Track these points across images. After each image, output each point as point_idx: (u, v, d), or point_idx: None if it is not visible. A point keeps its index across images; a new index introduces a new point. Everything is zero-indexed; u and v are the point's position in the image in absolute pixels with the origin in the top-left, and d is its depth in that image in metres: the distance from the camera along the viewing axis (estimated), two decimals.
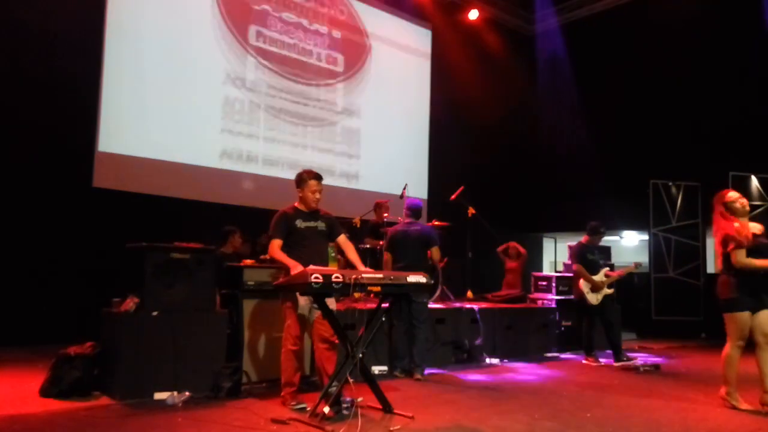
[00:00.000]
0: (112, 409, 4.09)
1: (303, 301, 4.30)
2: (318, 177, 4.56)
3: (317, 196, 4.53)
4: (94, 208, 7.35)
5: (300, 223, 4.47)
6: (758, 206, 10.01)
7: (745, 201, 4.60)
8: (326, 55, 10.06)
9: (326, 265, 4.49)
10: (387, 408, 4.12)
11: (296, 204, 4.60)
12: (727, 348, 4.58)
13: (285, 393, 4.30)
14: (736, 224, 4.47)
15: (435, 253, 5.90)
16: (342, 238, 4.69)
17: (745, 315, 4.44)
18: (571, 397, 5.00)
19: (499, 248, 9.70)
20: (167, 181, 8.10)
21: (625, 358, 6.92)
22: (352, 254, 4.63)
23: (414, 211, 6.09)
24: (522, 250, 9.68)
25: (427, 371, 5.73)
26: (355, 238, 5.07)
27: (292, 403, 4.22)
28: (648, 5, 11.49)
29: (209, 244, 5.04)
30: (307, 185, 4.52)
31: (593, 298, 6.94)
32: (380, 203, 7.71)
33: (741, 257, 4.39)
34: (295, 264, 4.16)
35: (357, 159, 10.32)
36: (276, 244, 4.40)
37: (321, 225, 4.57)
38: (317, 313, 4.30)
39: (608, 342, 7.03)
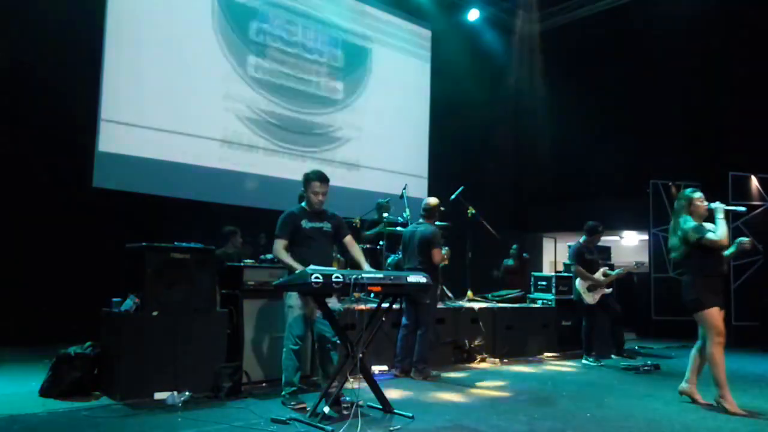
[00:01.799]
0: (112, 409, 4.09)
1: (305, 300, 4.30)
2: (321, 178, 4.51)
3: (320, 197, 4.50)
4: (94, 208, 7.34)
5: (305, 224, 4.46)
6: (758, 206, 10.01)
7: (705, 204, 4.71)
8: (327, 55, 10.06)
9: (329, 266, 4.48)
10: (387, 408, 4.12)
11: (304, 204, 4.60)
12: (709, 348, 4.57)
13: (285, 393, 4.30)
14: (693, 224, 4.58)
15: (435, 254, 5.81)
16: (348, 239, 4.69)
17: (715, 310, 4.52)
18: (571, 397, 5.00)
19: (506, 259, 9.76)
20: (167, 181, 8.10)
21: (626, 355, 7.00)
22: (358, 255, 4.63)
23: (424, 209, 6.05)
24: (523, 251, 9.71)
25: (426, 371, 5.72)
26: (355, 238, 5.07)
27: (292, 403, 4.23)
28: (648, 4, 11.48)
29: (209, 244, 5.04)
30: (310, 186, 4.51)
31: (590, 298, 6.94)
32: (380, 203, 7.70)
33: (713, 236, 4.48)
34: (297, 267, 4.16)
35: (357, 158, 10.31)
36: (280, 244, 4.39)
37: (326, 226, 4.56)
38: (319, 313, 4.30)
39: (613, 335, 7.10)
